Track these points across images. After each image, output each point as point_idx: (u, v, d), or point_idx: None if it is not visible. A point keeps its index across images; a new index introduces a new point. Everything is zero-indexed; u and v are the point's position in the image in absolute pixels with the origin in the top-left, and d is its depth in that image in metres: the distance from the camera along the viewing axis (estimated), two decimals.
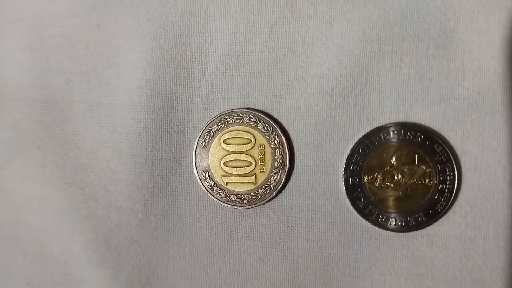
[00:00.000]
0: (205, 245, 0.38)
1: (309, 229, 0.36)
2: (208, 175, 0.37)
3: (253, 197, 0.36)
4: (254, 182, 0.36)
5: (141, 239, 0.39)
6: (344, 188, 0.35)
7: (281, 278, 0.37)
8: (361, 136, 0.35)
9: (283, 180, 0.36)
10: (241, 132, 0.36)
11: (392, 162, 0.34)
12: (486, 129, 0.34)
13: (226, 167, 0.36)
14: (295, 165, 0.36)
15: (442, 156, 0.34)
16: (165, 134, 0.38)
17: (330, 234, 0.36)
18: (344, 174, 0.35)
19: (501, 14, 0.34)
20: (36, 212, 0.40)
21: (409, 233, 0.35)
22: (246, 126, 0.36)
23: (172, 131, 0.38)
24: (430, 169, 0.34)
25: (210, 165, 0.37)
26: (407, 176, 0.34)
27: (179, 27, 0.38)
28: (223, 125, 0.36)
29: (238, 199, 0.36)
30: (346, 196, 0.35)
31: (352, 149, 0.35)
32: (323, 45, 0.36)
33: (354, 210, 0.35)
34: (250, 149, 0.36)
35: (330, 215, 0.36)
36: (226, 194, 0.37)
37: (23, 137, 0.41)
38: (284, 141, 0.36)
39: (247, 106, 0.37)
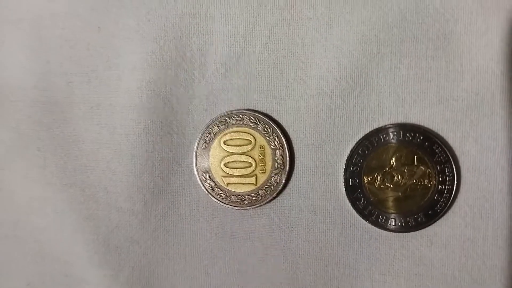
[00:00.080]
0: (205, 246, 0.38)
1: (309, 230, 0.36)
2: (209, 176, 0.37)
3: (253, 198, 0.36)
4: (255, 183, 0.36)
5: (141, 240, 0.39)
6: (344, 189, 0.35)
7: (281, 279, 0.37)
8: (361, 137, 0.35)
9: (283, 181, 0.36)
10: (241, 133, 0.36)
11: (392, 163, 0.35)
12: (485, 130, 0.34)
13: (227, 168, 0.36)
14: (295, 166, 0.36)
15: (441, 157, 0.34)
16: (165, 135, 0.38)
17: (330, 235, 0.36)
18: (344, 175, 0.35)
19: (499, 15, 0.34)
20: (36, 213, 0.40)
21: (408, 233, 0.35)
22: (246, 127, 0.36)
23: (173, 132, 0.38)
24: (429, 170, 0.34)
25: (211, 166, 0.37)
26: (406, 177, 0.34)
27: (179, 29, 0.38)
28: (224, 126, 0.37)
29: (239, 200, 0.37)
30: (346, 196, 0.35)
31: (351, 150, 0.35)
32: (322, 47, 0.36)
33: (354, 210, 0.35)
34: (250, 150, 0.36)
35: (330, 215, 0.36)
36: (226, 195, 0.37)
37: (23, 138, 0.41)
38: (284, 142, 0.36)
39: (247, 107, 0.37)
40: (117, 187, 0.39)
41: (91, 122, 0.39)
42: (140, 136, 0.38)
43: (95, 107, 0.39)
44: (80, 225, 0.40)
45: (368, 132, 0.35)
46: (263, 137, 0.36)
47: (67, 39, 0.40)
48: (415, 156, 0.34)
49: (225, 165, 0.36)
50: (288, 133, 0.36)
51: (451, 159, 0.34)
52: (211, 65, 0.37)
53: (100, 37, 0.39)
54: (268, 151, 0.36)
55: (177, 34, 0.38)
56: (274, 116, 0.37)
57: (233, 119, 0.36)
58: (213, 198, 0.37)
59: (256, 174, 0.36)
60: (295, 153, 0.36)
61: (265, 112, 0.37)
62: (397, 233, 0.35)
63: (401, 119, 0.35)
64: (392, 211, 0.35)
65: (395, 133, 0.35)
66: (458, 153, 0.34)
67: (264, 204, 0.37)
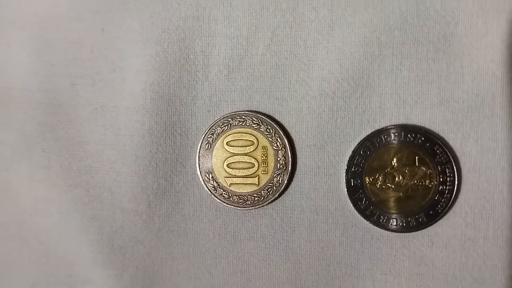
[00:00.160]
0: (208, 246, 0.38)
1: (311, 230, 0.36)
2: (212, 177, 0.37)
3: (256, 198, 0.37)
4: (257, 183, 0.36)
5: (145, 240, 0.39)
6: (346, 189, 0.35)
7: (283, 278, 0.37)
8: (362, 138, 0.35)
9: (285, 182, 0.36)
10: (244, 134, 0.37)
11: (393, 164, 0.35)
12: (485, 131, 0.34)
13: (229, 169, 0.37)
14: (297, 166, 0.37)
15: (442, 158, 0.34)
16: (169, 136, 0.38)
17: (332, 235, 0.36)
18: (345, 176, 0.35)
19: (500, 17, 0.34)
20: (41, 214, 0.41)
21: (410, 233, 0.35)
22: (249, 128, 0.37)
23: (176, 133, 0.38)
24: (430, 171, 0.34)
25: (214, 167, 0.37)
26: (407, 177, 0.34)
27: (183, 31, 0.38)
28: (226, 128, 0.37)
29: (241, 200, 0.37)
30: (347, 197, 0.35)
31: (353, 151, 0.35)
32: (324, 49, 0.36)
33: (355, 211, 0.35)
34: (253, 151, 0.36)
35: (332, 216, 0.36)
36: (229, 195, 0.37)
37: (28, 139, 0.41)
38: (287, 143, 0.36)
39: (249, 109, 0.37)
40: (122, 188, 0.39)
41: (96, 124, 0.39)
42: (144, 137, 0.38)
43: (100, 109, 0.39)
44: (85, 226, 0.40)
45: (369, 133, 0.35)
46: (266, 138, 0.36)
47: (71, 41, 0.40)
48: (416, 157, 0.34)
49: (227, 165, 0.37)
50: (290, 134, 0.36)
51: (452, 160, 0.34)
52: (214, 67, 0.37)
53: (104, 39, 0.39)
54: (271, 152, 0.36)
55: (181, 37, 0.38)
56: (277, 117, 0.37)
57: (235, 120, 0.37)
58: (216, 198, 0.37)
59: (258, 175, 0.36)
60: (297, 154, 0.36)
61: (267, 113, 0.37)
62: (399, 233, 0.35)
63: (402, 120, 0.35)
64: (394, 211, 0.35)
65: (396, 134, 0.35)
66: (459, 154, 0.34)
67: (266, 205, 0.37)
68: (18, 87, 0.41)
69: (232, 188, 0.37)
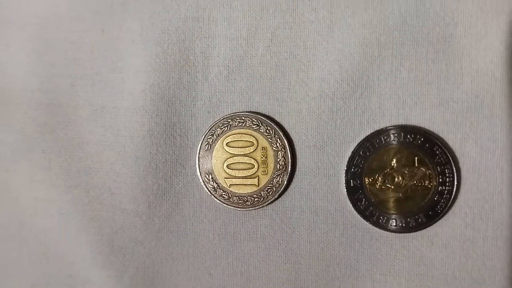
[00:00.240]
0: (208, 247, 0.38)
1: (311, 231, 0.36)
2: (212, 178, 0.37)
3: (255, 199, 0.37)
4: (257, 184, 0.36)
5: (145, 241, 0.39)
6: (345, 189, 0.35)
7: (283, 279, 0.37)
8: (362, 138, 0.35)
9: (285, 182, 0.36)
10: (243, 135, 0.37)
11: (393, 164, 0.35)
12: (484, 132, 0.34)
13: (229, 170, 0.37)
14: (297, 167, 0.37)
15: (442, 158, 0.34)
16: (169, 137, 0.38)
17: (331, 235, 0.36)
18: (345, 176, 0.35)
19: (499, 18, 0.34)
20: (41, 214, 0.41)
21: (409, 234, 0.35)
22: (249, 129, 0.37)
23: (176, 134, 0.38)
24: (429, 171, 0.34)
25: (213, 168, 0.37)
26: (407, 178, 0.35)
27: (183, 32, 0.38)
28: (226, 128, 0.37)
29: (241, 201, 0.37)
30: (347, 197, 0.35)
31: (353, 152, 0.35)
32: (324, 50, 0.36)
33: (355, 211, 0.35)
34: (252, 151, 0.37)
35: (331, 216, 0.36)
36: (229, 196, 0.37)
37: (28, 140, 0.41)
38: (286, 144, 0.36)
39: (249, 110, 0.37)
40: (121, 189, 0.39)
41: (95, 124, 0.39)
42: (144, 138, 0.38)
43: (99, 110, 0.39)
44: (85, 226, 0.40)
45: (369, 133, 0.35)
46: (265, 139, 0.36)
47: (71, 42, 0.40)
48: (416, 158, 0.34)
49: (227, 166, 0.37)
50: (290, 134, 0.37)
51: (451, 161, 0.34)
52: (214, 68, 0.38)
53: (104, 40, 0.39)
54: (270, 153, 0.36)
55: (181, 38, 0.38)
56: (276, 118, 0.37)
57: (235, 121, 0.37)
58: (216, 199, 0.37)
59: (258, 176, 0.36)
60: (297, 154, 0.37)
61: (267, 114, 0.37)
62: (398, 234, 0.35)
63: (401, 121, 0.35)
64: (393, 212, 0.35)
65: (396, 134, 0.35)
66: (458, 154, 0.34)
67: (266, 205, 0.37)
68: (18, 87, 0.41)
69: (232, 189, 0.37)
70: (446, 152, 0.34)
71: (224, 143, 0.37)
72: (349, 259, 0.36)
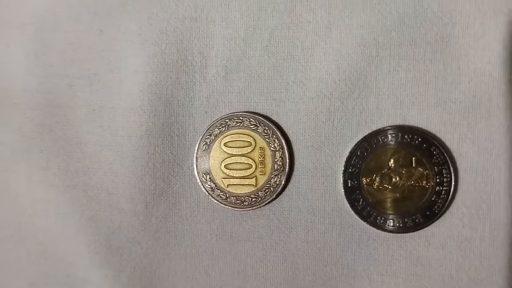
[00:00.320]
0: (206, 247, 0.38)
1: (309, 231, 0.36)
2: (209, 178, 0.37)
3: (253, 199, 0.37)
4: (254, 184, 0.36)
5: (142, 241, 0.39)
6: (343, 190, 0.35)
7: (280, 279, 0.37)
8: (360, 139, 0.35)
9: (282, 183, 0.36)
10: (241, 135, 0.37)
11: (390, 165, 0.35)
12: (482, 132, 0.34)
13: (227, 170, 0.37)
14: (295, 167, 0.37)
15: (439, 159, 0.34)
16: (166, 138, 0.38)
17: (329, 235, 0.36)
18: (342, 176, 0.35)
19: (496, 19, 0.34)
20: (39, 214, 0.41)
21: (406, 234, 0.35)
22: (247, 129, 0.37)
23: (174, 134, 0.38)
24: (427, 171, 0.34)
25: (211, 168, 0.37)
26: (404, 178, 0.35)
27: (181, 32, 0.38)
28: (224, 128, 0.37)
29: (239, 201, 0.37)
30: (344, 198, 0.35)
31: (350, 152, 0.35)
32: (322, 50, 0.36)
33: (352, 211, 0.35)
34: (250, 152, 0.37)
35: (329, 216, 0.36)
36: (226, 196, 0.37)
37: (26, 140, 0.41)
38: (284, 144, 0.36)
39: (247, 110, 0.37)
40: (119, 189, 0.39)
41: (94, 125, 0.39)
42: (142, 138, 0.38)
43: (97, 110, 0.39)
44: (83, 226, 0.40)
45: (366, 134, 0.35)
46: (263, 139, 0.36)
47: (69, 42, 0.40)
48: (413, 158, 0.34)
49: (225, 166, 0.37)
50: (288, 135, 0.37)
51: (449, 161, 0.34)
52: (212, 68, 0.38)
53: (102, 40, 0.39)
54: (268, 153, 0.36)
55: (179, 38, 0.38)
56: (274, 118, 0.37)
57: (233, 121, 0.37)
58: (213, 199, 0.37)
59: (256, 176, 0.36)
60: (295, 154, 0.37)
61: (265, 114, 0.37)
62: (395, 234, 0.35)
63: (399, 121, 0.35)
64: (390, 212, 0.35)
65: (393, 135, 0.35)
66: (455, 154, 0.34)
67: (263, 205, 0.37)
68: (16, 87, 0.41)
69: (230, 189, 0.37)
70: (444, 152, 0.34)
71: (222, 143, 0.37)
72: (346, 259, 0.36)
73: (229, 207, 0.37)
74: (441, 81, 0.35)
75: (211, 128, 0.37)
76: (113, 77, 0.39)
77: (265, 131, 0.36)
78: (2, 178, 0.42)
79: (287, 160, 0.36)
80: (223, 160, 0.37)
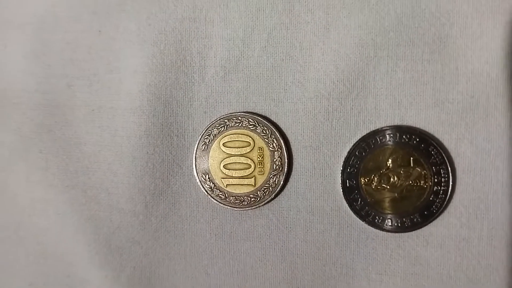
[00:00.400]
0: (205, 246, 0.38)
1: (307, 230, 0.37)
2: (208, 178, 0.37)
3: (252, 199, 0.37)
4: (253, 184, 0.37)
5: (142, 241, 0.39)
6: (341, 190, 0.36)
7: (280, 278, 0.37)
8: (358, 139, 0.36)
9: (281, 182, 0.36)
10: (240, 135, 0.37)
11: (388, 165, 0.35)
12: (479, 132, 0.34)
13: (226, 170, 0.37)
14: (293, 167, 0.37)
15: (437, 159, 0.34)
16: (165, 138, 0.38)
17: (327, 235, 0.36)
18: (341, 176, 0.36)
19: (494, 19, 0.34)
20: (38, 214, 0.41)
21: (404, 233, 0.35)
22: (245, 129, 0.37)
23: (173, 134, 0.38)
24: (425, 171, 0.34)
25: (210, 168, 0.37)
26: (402, 178, 0.35)
27: (179, 33, 0.38)
28: (223, 129, 0.37)
29: (238, 201, 0.37)
30: (343, 197, 0.36)
31: (349, 152, 0.36)
32: (320, 50, 0.36)
33: (351, 211, 0.35)
34: (249, 152, 0.37)
35: (327, 216, 0.36)
36: (225, 196, 0.37)
37: (25, 140, 0.41)
38: (283, 144, 0.36)
39: (246, 110, 0.37)
40: (119, 189, 0.39)
41: (93, 125, 0.39)
42: (141, 138, 0.38)
43: (97, 110, 0.39)
44: (82, 226, 0.40)
45: (365, 134, 0.35)
46: (262, 139, 0.36)
47: (68, 42, 0.40)
48: (411, 158, 0.35)
49: (224, 166, 0.37)
50: (287, 135, 0.37)
51: (447, 161, 0.34)
52: (211, 68, 0.38)
53: (101, 40, 0.39)
54: (267, 153, 0.36)
55: (177, 38, 0.38)
56: (273, 118, 0.37)
57: (232, 121, 0.37)
58: (212, 199, 0.37)
59: (255, 176, 0.37)
60: (293, 154, 0.37)
61: (263, 114, 0.37)
62: (394, 233, 0.35)
63: (397, 121, 0.35)
64: (389, 212, 0.35)
65: (391, 135, 0.35)
66: (453, 154, 0.35)
67: (262, 205, 0.37)
68: (15, 88, 0.41)
69: (229, 188, 0.37)
70: (442, 152, 0.34)
71: (221, 143, 0.37)
72: (345, 258, 0.36)
73: (228, 207, 0.37)
74: (439, 82, 0.35)
75: (210, 128, 0.37)
76: (112, 77, 0.39)
77: (263, 131, 0.36)
78: (1, 178, 0.42)
79: (286, 160, 0.36)
80: (222, 160, 0.37)
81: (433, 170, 0.34)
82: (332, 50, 0.36)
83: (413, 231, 0.35)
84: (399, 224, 0.35)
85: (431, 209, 0.34)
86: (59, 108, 0.40)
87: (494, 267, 0.34)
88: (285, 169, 0.36)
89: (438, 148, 0.34)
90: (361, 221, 0.35)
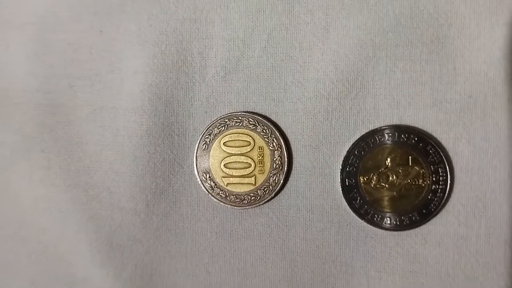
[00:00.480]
0: (206, 245, 0.38)
1: (307, 229, 0.37)
2: (209, 177, 0.37)
3: (252, 198, 0.37)
4: (254, 183, 0.37)
5: (143, 239, 0.39)
6: (341, 188, 0.36)
7: (280, 276, 0.37)
8: (357, 138, 0.36)
9: (281, 181, 0.36)
10: (240, 134, 0.37)
11: (387, 164, 0.35)
12: (477, 132, 0.34)
13: (226, 169, 0.37)
14: (293, 166, 0.37)
15: (435, 158, 0.34)
16: (166, 137, 0.38)
17: (327, 233, 0.36)
18: (340, 175, 0.36)
19: (492, 20, 0.34)
20: (41, 213, 0.41)
21: (403, 232, 0.35)
22: (246, 129, 0.37)
23: (174, 134, 0.38)
24: (423, 170, 0.35)
25: (211, 167, 0.37)
26: (401, 177, 0.35)
27: (180, 33, 0.38)
28: (223, 128, 0.37)
29: (238, 200, 0.37)
30: (342, 196, 0.36)
31: (348, 151, 0.36)
32: (319, 51, 0.36)
33: (350, 209, 0.36)
34: (249, 151, 0.37)
35: (327, 214, 0.36)
36: (226, 195, 0.37)
37: (27, 140, 0.41)
38: (283, 143, 0.36)
39: (246, 110, 0.37)
40: (120, 188, 0.39)
41: (94, 124, 0.40)
42: (142, 138, 0.38)
43: (98, 110, 0.39)
44: (84, 225, 0.40)
45: (364, 133, 0.36)
46: (262, 139, 0.37)
47: (70, 43, 0.40)
48: (410, 157, 0.35)
49: (224, 165, 0.37)
50: (286, 134, 0.37)
51: (445, 160, 0.34)
52: (211, 69, 0.38)
53: (103, 41, 0.40)
54: (267, 152, 0.37)
55: (178, 39, 0.38)
56: (273, 118, 0.37)
57: (232, 121, 0.37)
58: (213, 198, 0.37)
59: (255, 175, 0.37)
60: (293, 154, 0.37)
61: (263, 114, 0.37)
62: (392, 232, 0.35)
63: (396, 121, 0.35)
64: (387, 210, 0.35)
65: (390, 134, 0.35)
66: (451, 154, 0.35)
67: (263, 204, 0.37)
68: (17, 87, 0.41)
69: (229, 187, 0.37)
70: (440, 151, 0.34)
71: (221, 143, 0.37)
72: (344, 256, 0.36)
73: (229, 206, 0.37)
74: (437, 82, 0.35)
75: (210, 128, 0.37)
76: (114, 77, 0.39)
77: (264, 130, 0.37)
78: (3, 178, 0.42)
79: (286, 159, 0.36)
80: (222, 159, 0.37)
81: (431, 169, 0.34)
82: (332, 50, 0.36)
83: (412, 229, 0.35)
84: (398, 223, 0.35)
85: (430, 207, 0.34)
86: (61, 108, 0.40)
87: (492, 265, 0.34)
88: (285, 168, 0.36)
89: (436, 147, 0.34)
90: (360, 219, 0.35)
